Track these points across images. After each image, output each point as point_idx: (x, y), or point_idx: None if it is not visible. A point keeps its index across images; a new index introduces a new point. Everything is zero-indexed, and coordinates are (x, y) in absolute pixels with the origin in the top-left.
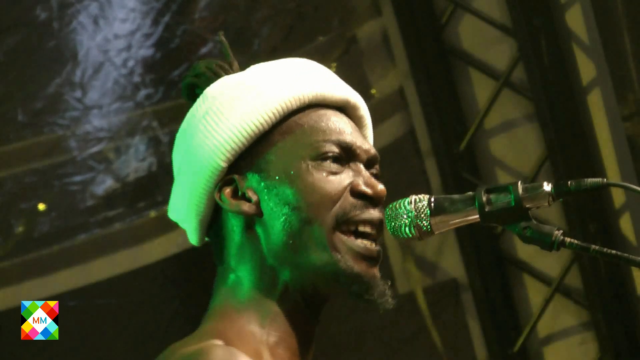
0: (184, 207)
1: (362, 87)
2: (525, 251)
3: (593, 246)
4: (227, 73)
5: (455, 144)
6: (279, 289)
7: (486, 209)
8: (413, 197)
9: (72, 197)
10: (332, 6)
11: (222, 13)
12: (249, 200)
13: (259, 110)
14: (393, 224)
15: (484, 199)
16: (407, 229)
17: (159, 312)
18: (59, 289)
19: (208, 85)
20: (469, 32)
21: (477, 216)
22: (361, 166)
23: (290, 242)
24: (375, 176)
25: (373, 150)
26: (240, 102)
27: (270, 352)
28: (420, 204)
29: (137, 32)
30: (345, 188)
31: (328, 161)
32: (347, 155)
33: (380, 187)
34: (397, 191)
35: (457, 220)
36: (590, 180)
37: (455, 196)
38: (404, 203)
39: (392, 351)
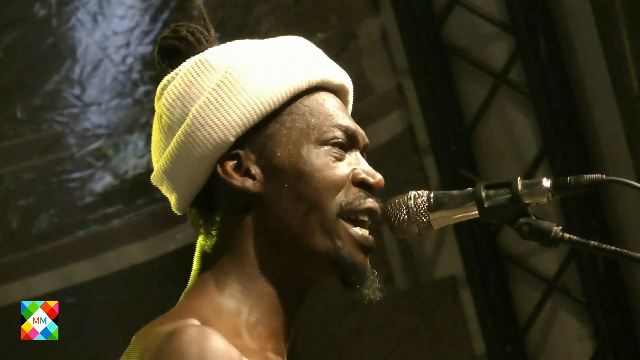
0: (178, 175)
1: (360, 84)
2: (524, 248)
3: (592, 242)
4: (207, 40)
5: (454, 140)
6: (267, 270)
7: (485, 205)
8: (412, 193)
9: (70, 194)
10: (331, 3)
11: (221, 10)
12: (252, 177)
13: (274, 88)
14: (392, 220)
15: (483, 195)
16: (406, 224)
17: (157, 309)
18: (57, 285)
19: (190, 50)
20: (467, 29)
21: (476, 212)
22: (359, 154)
23: (292, 224)
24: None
25: (367, 139)
26: (254, 78)
27: (248, 332)
28: (419, 200)
29: (135, 29)
30: (348, 175)
31: (334, 146)
32: (349, 142)
33: (380, 176)
34: (395, 188)
35: (456, 216)
36: (589, 176)
37: (455, 192)
38: (403, 199)
39: (390, 348)
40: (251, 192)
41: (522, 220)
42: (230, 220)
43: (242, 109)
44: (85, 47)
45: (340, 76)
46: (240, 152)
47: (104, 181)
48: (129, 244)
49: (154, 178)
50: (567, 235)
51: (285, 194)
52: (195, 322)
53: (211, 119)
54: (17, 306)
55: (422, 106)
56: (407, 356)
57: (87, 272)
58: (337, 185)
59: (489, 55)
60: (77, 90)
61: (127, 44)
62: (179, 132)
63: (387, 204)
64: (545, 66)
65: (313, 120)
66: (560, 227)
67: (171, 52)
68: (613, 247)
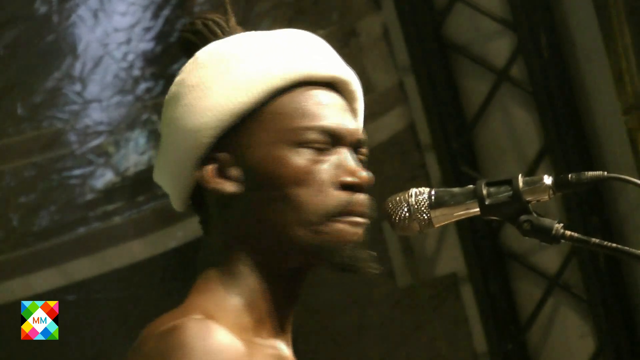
0: (167, 176)
1: (361, 81)
2: (525, 245)
3: (593, 239)
4: (224, 31)
5: (455, 137)
6: (257, 266)
7: (486, 202)
8: (413, 190)
9: (71, 191)
10: (332, 0)
11: (222, 6)
12: (231, 178)
13: (245, 89)
14: (393, 217)
15: (484, 192)
16: (407, 222)
17: (158, 306)
18: (57, 283)
19: (205, 43)
20: (469, 26)
21: (477, 209)
22: (346, 151)
23: (271, 224)
24: (362, 161)
25: (359, 133)
26: (226, 77)
27: (254, 327)
28: (420, 197)
29: (136, 25)
30: (327, 178)
31: (310, 149)
32: (332, 141)
33: (364, 174)
34: (397, 185)
35: (457, 214)
36: (590, 173)
37: (456, 189)
38: (404, 196)
39: (391, 346)
40: (228, 193)
41: (523, 217)
42: (218, 218)
43: (212, 110)
44: (86, 44)
45: (330, 69)
46: (220, 154)
47: (104, 178)
48: (130, 241)
49: (154, 176)
50: (568, 233)
51: (262, 196)
52: (198, 316)
53: (185, 120)
54: (17, 304)
55: (424, 103)
56: (408, 354)
57: (87, 269)
58: (314, 188)
59: (491, 52)
60: (77, 87)
61: (128, 41)
62: (163, 134)
63: (388, 201)
64: (547, 63)
65: (291, 120)
66: (562, 224)
67: (188, 46)
68: (614, 245)
